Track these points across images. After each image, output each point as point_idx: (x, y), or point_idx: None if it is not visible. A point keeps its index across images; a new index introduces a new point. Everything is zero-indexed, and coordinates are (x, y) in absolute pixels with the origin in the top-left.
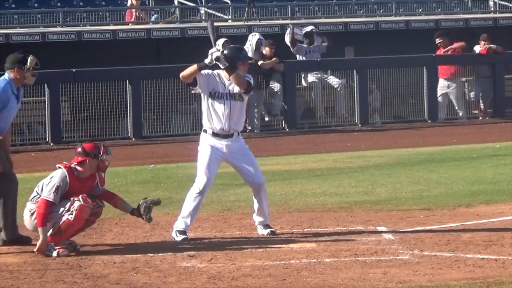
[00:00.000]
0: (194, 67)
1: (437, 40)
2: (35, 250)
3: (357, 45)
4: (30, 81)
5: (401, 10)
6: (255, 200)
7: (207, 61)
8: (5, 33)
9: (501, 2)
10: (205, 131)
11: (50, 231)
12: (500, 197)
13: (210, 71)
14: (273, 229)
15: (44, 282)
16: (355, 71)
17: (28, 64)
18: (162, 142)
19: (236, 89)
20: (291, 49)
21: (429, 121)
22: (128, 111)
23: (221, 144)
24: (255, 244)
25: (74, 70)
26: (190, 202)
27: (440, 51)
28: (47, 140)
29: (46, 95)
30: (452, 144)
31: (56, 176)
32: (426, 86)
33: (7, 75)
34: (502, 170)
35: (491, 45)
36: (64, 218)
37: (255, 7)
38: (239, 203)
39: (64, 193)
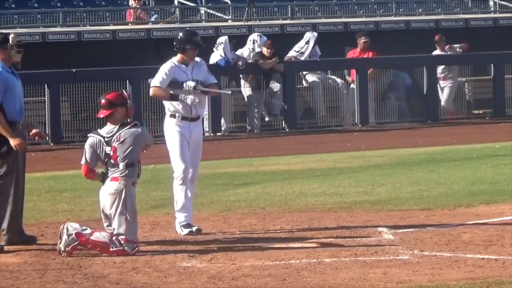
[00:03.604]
0: (165, 95)
1: (364, 39)
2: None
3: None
4: (16, 58)
5: (401, 10)
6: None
7: (181, 96)
8: (5, 33)
9: (501, 2)
10: (173, 116)
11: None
12: (500, 197)
13: (170, 66)
14: (192, 229)
15: (44, 282)
16: (355, 71)
17: (10, 41)
18: (162, 142)
19: (198, 76)
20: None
21: (429, 121)
22: None
23: (188, 126)
24: (255, 244)
25: (74, 70)
26: (178, 194)
27: (355, 53)
28: (47, 140)
29: (46, 95)
30: (452, 144)
31: (86, 144)
32: (426, 86)
33: None
34: (502, 170)
35: (454, 45)
36: (98, 235)
37: (255, 7)
38: (239, 203)
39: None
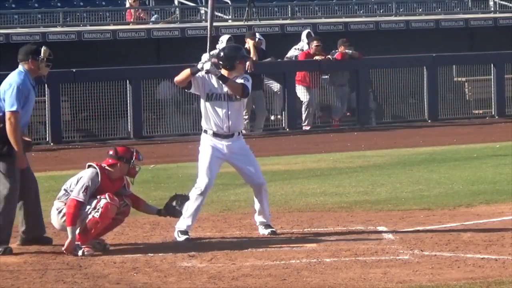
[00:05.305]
0: (187, 72)
1: (316, 43)
2: (63, 249)
3: (357, 45)
4: (44, 72)
5: (401, 10)
6: (256, 200)
7: (199, 66)
8: (5, 33)
9: (501, 2)
10: (206, 131)
11: (78, 230)
12: (500, 197)
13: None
14: (274, 229)
15: (44, 282)
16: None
17: (42, 54)
18: (162, 142)
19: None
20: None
21: (429, 121)
22: (128, 111)
23: (222, 144)
24: (255, 244)
25: (74, 70)
26: (191, 202)
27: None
28: (47, 140)
29: (46, 95)
30: (452, 144)
31: (86, 175)
32: (426, 86)
33: (21, 67)
34: (502, 170)
35: (347, 50)
36: (90, 216)
37: (255, 7)
38: (239, 203)
39: (94, 192)
